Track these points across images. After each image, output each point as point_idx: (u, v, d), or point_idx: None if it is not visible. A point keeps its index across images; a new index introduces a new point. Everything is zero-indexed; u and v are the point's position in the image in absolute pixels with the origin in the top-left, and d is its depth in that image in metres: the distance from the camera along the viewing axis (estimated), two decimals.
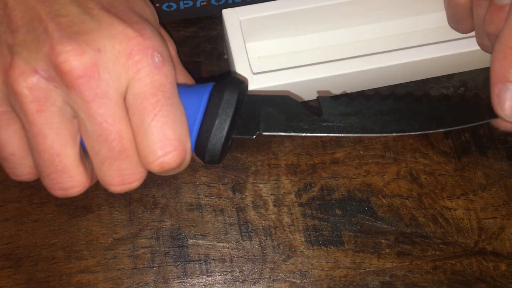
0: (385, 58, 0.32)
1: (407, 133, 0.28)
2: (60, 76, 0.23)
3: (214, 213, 0.31)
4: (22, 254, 0.30)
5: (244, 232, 0.31)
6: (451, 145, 0.33)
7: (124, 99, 0.24)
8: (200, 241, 0.31)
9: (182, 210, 0.31)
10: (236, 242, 0.31)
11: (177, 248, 0.30)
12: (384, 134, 0.28)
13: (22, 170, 0.26)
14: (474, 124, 0.29)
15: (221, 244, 0.31)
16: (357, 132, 0.28)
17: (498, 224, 0.32)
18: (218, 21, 0.36)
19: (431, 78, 0.36)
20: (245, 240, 0.31)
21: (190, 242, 0.31)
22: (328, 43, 0.35)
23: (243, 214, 0.32)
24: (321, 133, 0.28)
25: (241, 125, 0.27)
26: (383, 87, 0.35)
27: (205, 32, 0.36)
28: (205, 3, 0.34)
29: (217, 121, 0.25)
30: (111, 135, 0.24)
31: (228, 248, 0.31)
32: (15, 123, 0.24)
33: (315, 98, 0.29)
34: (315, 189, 0.32)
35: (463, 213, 0.32)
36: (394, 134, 0.28)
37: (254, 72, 0.31)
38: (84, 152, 0.26)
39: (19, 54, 0.23)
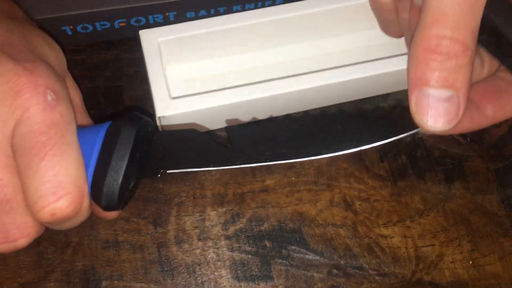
0: (315, 78, 0.30)
1: (322, 156, 0.25)
2: None
3: (132, 251, 0.29)
4: None
5: (165, 270, 0.29)
6: (387, 168, 0.32)
7: (9, 141, 0.21)
8: (115, 281, 0.28)
9: (97, 249, 0.29)
10: (156, 282, 0.28)
11: None
12: (298, 160, 0.25)
13: None
14: (393, 138, 0.26)
15: (139, 284, 0.28)
16: (268, 161, 0.25)
17: (436, 252, 0.30)
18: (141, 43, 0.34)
19: (366, 98, 0.34)
20: (167, 279, 0.29)
21: (104, 283, 0.28)
22: (254, 64, 0.33)
23: (165, 251, 0.29)
24: (230, 165, 0.25)
25: (144, 164, 0.25)
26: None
27: (128, 54, 0.34)
28: (123, 24, 0.32)
29: (113, 160, 0.23)
30: None
31: None
32: None
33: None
34: (243, 220, 0.30)
35: (400, 241, 0.30)
36: (308, 159, 0.25)
37: (173, 96, 0.29)
38: None
39: None
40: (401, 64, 0.31)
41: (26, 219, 0.22)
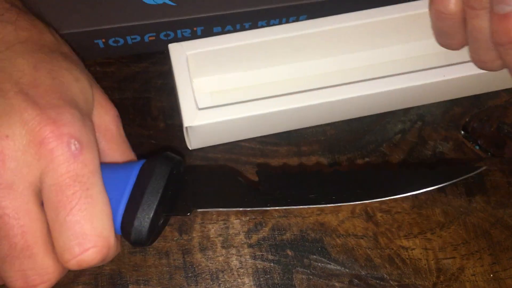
0: (339, 91, 0.31)
1: (346, 203, 0.27)
2: None
3: (158, 256, 0.30)
4: None
5: (190, 276, 0.29)
6: None
7: (38, 190, 0.22)
8: (141, 286, 0.29)
9: (124, 254, 0.30)
10: (181, 287, 0.29)
11: None
12: (323, 206, 0.27)
13: None
14: (416, 192, 0.27)
15: None
16: (295, 204, 0.26)
17: (457, 265, 0.30)
18: (169, 56, 0.35)
19: (387, 112, 0.35)
20: (191, 285, 0.29)
21: (131, 287, 0.29)
22: (279, 78, 0.34)
23: (189, 257, 0.30)
24: (259, 207, 0.26)
25: (175, 203, 0.26)
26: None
27: (156, 67, 0.35)
28: (153, 38, 0.33)
29: (145, 197, 0.24)
30: (13, 230, 0.22)
31: None
32: None
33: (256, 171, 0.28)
34: (266, 229, 0.31)
35: (421, 253, 0.30)
36: (332, 205, 0.27)
37: (200, 107, 0.30)
38: None
39: None
40: (428, 78, 0.31)
41: (47, 264, 0.22)
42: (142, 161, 0.25)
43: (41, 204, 0.22)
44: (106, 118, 0.26)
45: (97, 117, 0.26)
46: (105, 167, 0.24)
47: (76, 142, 0.22)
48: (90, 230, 0.22)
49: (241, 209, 0.26)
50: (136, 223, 0.23)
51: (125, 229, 0.24)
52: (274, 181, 0.27)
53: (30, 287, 0.22)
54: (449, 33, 0.30)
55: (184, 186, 0.26)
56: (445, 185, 0.28)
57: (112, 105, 0.27)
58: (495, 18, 0.26)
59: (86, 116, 0.24)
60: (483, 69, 0.30)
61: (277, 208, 0.27)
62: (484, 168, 0.28)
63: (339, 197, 0.26)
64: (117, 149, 0.27)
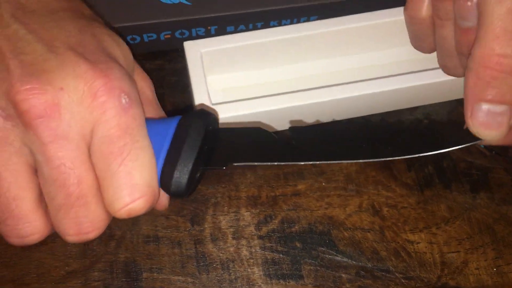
0: (348, 89, 0.32)
1: (382, 159, 0.27)
2: (18, 115, 0.22)
3: (171, 246, 0.31)
4: None
5: (201, 265, 0.30)
6: (414, 178, 0.33)
7: (89, 142, 0.23)
8: (155, 274, 0.30)
9: (138, 243, 0.31)
10: (192, 276, 0.30)
11: (131, 282, 0.30)
12: (357, 161, 0.27)
13: None
14: (447, 150, 0.28)
15: (176, 277, 0.30)
16: (329, 159, 0.27)
17: (461, 259, 0.31)
18: (183, 54, 0.36)
19: (393, 111, 0.36)
20: (202, 274, 0.30)
21: (145, 275, 0.30)
22: (290, 76, 0.35)
23: (201, 247, 0.31)
24: (292, 161, 0.27)
25: (211, 157, 0.27)
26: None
27: (171, 65, 0.36)
28: (169, 36, 0.35)
29: (183, 151, 0.24)
30: (69, 179, 0.22)
31: (184, 282, 0.30)
32: None
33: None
34: (275, 221, 0.32)
35: (426, 247, 0.31)
36: (367, 160, 0.27)
37: (213, 103, 0.31)
38: None
39: None
40: (434, 78, 0.32)
41: (99, 213, 0.23)
42: (178, 117, 0.26)
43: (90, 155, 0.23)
44: (143, 83, 0.27)
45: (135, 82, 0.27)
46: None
47: (126, 96, 0.23)
48: (139, 180, 0.23)
49: (274, 163, 0.27)
50: (175, 174, 0.24)
51: (164, 180, 0.24)
52: (306, 136, 0.27)
53: (83, 234, 0.23)
54: (420, 37, 0.32)
55: (220, 142, 0.27)
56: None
57: (146, 74, 0.28)
58: (458, 30, 0.27)
59: (131, 77, 0.25)
60: (448, 74, 0.32)
61: (310, 162, 0.28)
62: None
63: (370, 153, 0.27)
64: (153, 112, 0.27)
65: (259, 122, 0.32)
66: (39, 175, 0.23)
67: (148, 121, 0.25)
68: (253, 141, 0.27)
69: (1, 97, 0.22)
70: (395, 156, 0.27)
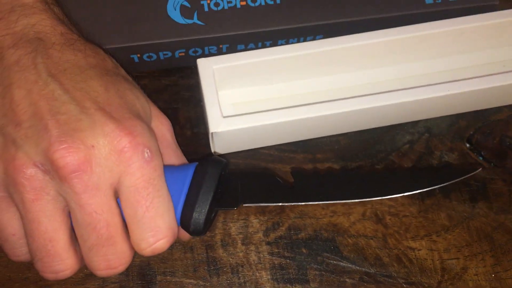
0: (352, 103, 0.34)
1: (369, 199, 0.32)
2: (55, 170, 0.24)
3: (183, 251, 0.32)
4: None
5: (212, 269, 0.32)
6: None
7: (115, 189, 0.26)
8: (168, 277, 0.32)
9: None
10: (203, 279, 0.32)
11: (146, 284, 0.31)
12: (350, 201, 0.31)
13: (22, 250, 0.27)
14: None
15: (188, 280, 0.32)
16: (327, 200, 0.31)
17: (461, 265, 0.32)
18: (196, 71, 0.39)
19: (397, 124, 0.37)
20: (213, 277, 0.32)
21: (159, 278, 0.31)
22: (297, 91, 0.37)
23: (212, 252, 0.33)
24: (295, 202, 0.30)
25: (224, 199, 0.30)
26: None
27: (184, 81, 0.39)
28: (183, 53, 0.37)
29: (200, 196, 0.27)
30: (100, 223, 0.25)
31: (195, 285, 0.32)
32: (13, 206, 0.26)
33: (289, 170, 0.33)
34: (283, 228, 0.33)
35: (427, 254, 0.33)
36: (358, 200, 0.31)
37: (224, 115, 0.33)
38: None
39: (21, 148, 0.25)
40: (435, 92, 0.34)
41: (125, 250, 0.26)
42: (194, 164, 0.29)
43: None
44: (163, 128, 0.30)
45: (154, 128, 0.30)
46: (164, 169, 0.28)
47: (148, 151, 0.26)
48: (162, 224, 0.26)
49: (279, 204, 0.30)
50: (194, 216, 0.27)
51: (184, 221, 0.28)
52: (306, 180, 0.31)
53: (111, 269, 0.26)
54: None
55: (230, 184, 0.30)
56: (447, 184, 0.32)
57: (166, 117, 0.31)
58: None
59: (151, 131, 0.28)
60: None
61: (310, 203, 0.32)
62: (480, 169, 0.32)
63: (360, 194, 0.31)
64: (173, 154, 0.30)
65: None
66: (73, 219, 0.26)
67: (168, 167, 0.28)
68: (260, 184, 0.31)
69: (40, 154, 0.25)
70: (375, 197, 0.32)
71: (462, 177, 0.32)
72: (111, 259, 0.26)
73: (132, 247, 0.26)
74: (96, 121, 0.25)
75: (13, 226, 0.26)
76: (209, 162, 0.29)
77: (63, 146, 0.24)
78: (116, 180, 0.25)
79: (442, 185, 0.31)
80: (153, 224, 0.26)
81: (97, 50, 0.29)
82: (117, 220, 0.26)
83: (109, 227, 0.25)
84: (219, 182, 0.29)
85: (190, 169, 0.29)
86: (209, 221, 0.29)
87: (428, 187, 0.31)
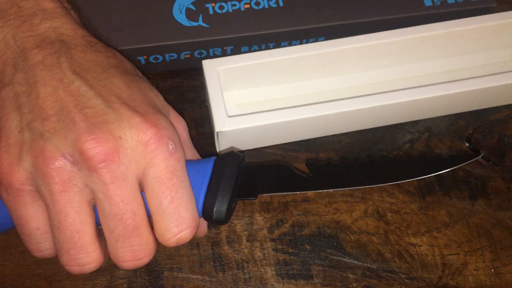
0: (354, 103, 0.35)
1: (381, 184, 0.33)
2: (84, 161, 0.25)
3: (190, 247, 0.33)
4: (7, 284, 0.31)
5: (218, 265, 0.33)
6: (416, 185, 0.35)
7: (140, 180, 0.26)
8: (175, 273, 0.32)
9: (159, 244, 0.33)
10: (209, 275, 0.32)
11: (153, 280, 0.32)
12: (364, 186, 0.32)
13: (46, 245, 0.28)
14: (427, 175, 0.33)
15: (195, 276, 0.32)
16: (342, 187, 0.32)
17: (461, 260, 0.33)
18: (201, 72, 0.39)
19: (397, 124, 0.38)
20: (219, 273, 0.33)
21: (166, 274, 0.32)
22: (299, 92, 0.38)
23: (218, 248, 0.33)
24: (311, 189, 0.31)
25: (243, 189, 0.31)
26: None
27: (189, 82, 0.39)
28: (188, 55, 0.38)
29: (221, 186, 0.28)
30: (126, 213, 0.26)
31: (202, 280, 0.32)
32: (39, 200, 0.27)
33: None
34: (287, 225, 0.34)
35: (427, 249, 0.33)
36: (371, 186, 0.33)
37: (229, 115, 0.34)
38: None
39: (50, 140, 0.25)
40: (435, 92, 0.35)
41: (150, 241, 0.27)
42: (213, 158, 0.30)
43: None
44: (179, 127, 0.31)
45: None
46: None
47: (172, 143, 0.27)
48: (185, 214, 0.27)
49: (296, 192, 0.32)
50: (217, 205, 0.28)
51: (207, 211, 0.28)
52: (320, 169, 0.32)
53: (137, 260, 0.27)
54: None
55: (249, 176, 0.31)
56: (449, 170, 0.34)
57: (181, 117, 0.32)
58: None
59: (173, 125, 0.29)
60: None
61: (326, 190, 0.33)
62: (482, 154, 0.34)
63: (369, 181, 0.32)
64: (189, 152, 0.31)
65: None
66: (100, 211, 0.26)
67: (188, 161, 0.29)
68: (277, 174, 0.32)
69: (69, 145, 0.25)
70: (387, 182, 0.33)
71: (464, 163, 0.33)
72: (137, 250, 0.27)
73: (155, 239, 0.27)
74: (122, 114, 0.26)
75: (37, 220, 0.27)
76: (228, 155, 0.30)
77: (92, 137, 0.25)
78: (141, 171, 0.26)
79: (445, 171, 0.33)
80: (177, 214, 0.26)
81: (116, 53, 0.30)
82: (143, 211, 0.26)
83: (135, 217, 0.26)
84: (238, 174, 0.29)
85: (209, 162, 0.30)
86: (230, 211, 0.29)
87: (435, 172, 0.33)
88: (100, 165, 0.25)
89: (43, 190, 0.26)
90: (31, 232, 0.27)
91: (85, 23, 0.32)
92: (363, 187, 0.33)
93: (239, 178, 0.30)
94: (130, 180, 0.26)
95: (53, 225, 0.26)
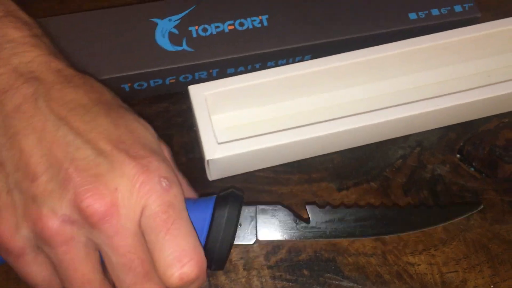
0: (344, 122, 0.34)
1: (381, 236, 0.33)
2: (83, 219, 0.24)
3: None
4: None
5: None
6: (410, 202, 0.35)
7: (140, 223, 0.25)
8: None
9: None
10: None
11: None
12: (364, 237, 0.32)
13: None
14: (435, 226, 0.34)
15: None
16: (341, 237, 0.31)
17: (460, 277, 0.33)
18: (187, 96, 0.39)
19: (388, 140, 0.38)
20: None
21: None
22: (289, 112, 0.38)
23: (214, 280, 0.33)
24: (310, 238, 0.31)
25: (241, 233, 0.30)
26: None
27: (176, 106, 0.39)
28: (173, 80, 0.37)
29: (224, 229, 0.28)
30: (135, 262, 0.25)
31: None
32: (41, 254, 0.26)
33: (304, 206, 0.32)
34: (283, 251, 0.34)
35: (426, 268, 0.33)
36: (371, 237, 0.33)
37: (219, 142, 0.33)
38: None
39: (44, 204, 0.24)
40: (425, 107, 0.34)
41: (159, 283, 0.26)
42: (213, 199, 0.29)
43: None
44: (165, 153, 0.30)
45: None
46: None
47: (165, 180, 0.26)
48: (185, 246, 0.25)
49: (294, 240, 0.31)
50: (217, 255, 0.27)
51: (207, 258, 0.27)
52: (321, 216, 0.31)
53: None
54: None
55: (247, 219, 0.30)
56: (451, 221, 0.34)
57: (164, 142, 0.31)
58: None
59: (167, 161, 0.27)
60: None
61: (325, 240, 0.33)
62: (481, 207, 0.34)
63: (371, 232, 0.32)
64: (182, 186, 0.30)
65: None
66: (107, 262, 0.26)
67: (187, 201, 0.28)
68: (276, 219, 0.31)
69: (66, 206, 0.24)
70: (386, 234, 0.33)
71: (466, 215, 0.34)
72: None
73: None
74: (114, 162, 0.25)
75: (43, 273, 0.26)
76: (229, 195, 0.29)
77: (89, 194, 0.24)
78: (139, 214, 0.25)
79: (448, 222, 0.34)
80: (176, 246, 0.25)
81: (94, 84, 0.28)
82: (148, 255, 0.25)
83: (144, 264, 0.25)
84: (238, 217, 0.29)
85: (209, 205, 0.29)
86: (228, 255, 0.29)
87: (434, 225, 0.33)
88: (101, 221, 0.24)
89: (46, 251, 0.25)
90: (37, 284, 0.26)
91: (58, 49, 0.30)
92: (368, 237, 0.33)
93: (239, 221, 0.29)
94: (132, 229, 0.25)
95: (62, 279, 0.25)
